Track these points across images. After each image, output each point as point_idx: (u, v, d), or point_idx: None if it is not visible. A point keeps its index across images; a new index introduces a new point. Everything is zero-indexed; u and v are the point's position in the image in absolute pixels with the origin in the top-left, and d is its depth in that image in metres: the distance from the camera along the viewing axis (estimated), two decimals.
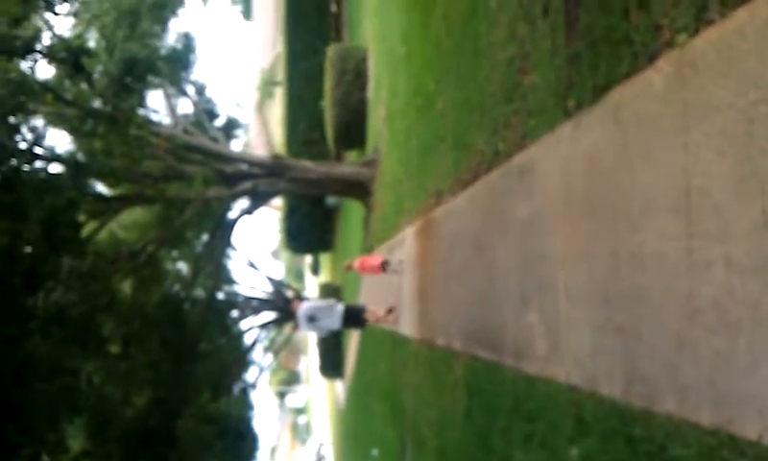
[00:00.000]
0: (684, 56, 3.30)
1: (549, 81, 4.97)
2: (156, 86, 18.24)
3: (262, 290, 29.86)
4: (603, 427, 3.96)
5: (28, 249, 9.98)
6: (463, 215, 7.72)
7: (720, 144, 2.99)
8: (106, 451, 13.67)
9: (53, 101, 14.47)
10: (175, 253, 20.80)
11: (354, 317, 12.47)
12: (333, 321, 11.95)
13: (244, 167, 17.04)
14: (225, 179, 16.64)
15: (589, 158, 4.26)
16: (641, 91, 3.67)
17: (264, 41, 47.96)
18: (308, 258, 52.84)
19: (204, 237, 19.92)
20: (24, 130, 12.07)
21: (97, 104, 14.37)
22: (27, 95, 11.16)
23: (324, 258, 43.20)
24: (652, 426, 3.45)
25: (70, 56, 12.85)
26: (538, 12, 5.30)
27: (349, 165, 18.70)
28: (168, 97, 19.85)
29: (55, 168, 13.92)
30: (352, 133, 18.63)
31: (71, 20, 14.64)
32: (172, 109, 19.92)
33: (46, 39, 13.46)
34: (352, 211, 22.26)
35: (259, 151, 29.36)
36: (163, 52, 18.48)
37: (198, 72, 68.19)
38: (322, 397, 62.50)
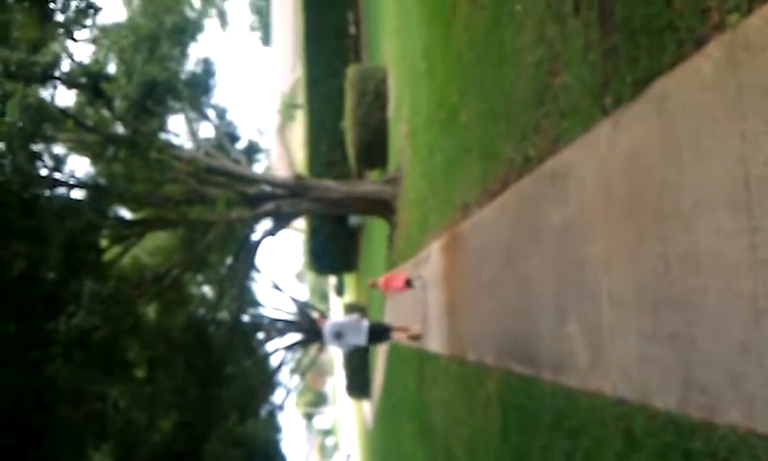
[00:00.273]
0: (736, 38, 3.06)
1: (583, 79, 4.74)
2: (176, 111, 18.29)
3: (287, 312, 29.72)
4: (656, 442, 3.69)
5: (48, 273, 9.90)
6: (491, 227, 7.48)
7: None
8: None
9: (74, 127, 14.52)
10: (199, 276, 20.76)
11: (379, 333, 12.69)
12: (359, 337, 12.08)
13: (266, 188, 16.95)
14: (247, 200, 16.56)
15: (631, 156, 4.01)
16: (688, 80, 3.44)
17: (283, 65, 48.21)
18: (332, 279, 52.71)
19: (228, 260, 19.84)
20: (44, 156, 12.04)
21: (118, 129, 14.38)
22: (46, 121, 11.14)
23: (349, 279, 43.03)
24: (714, 440, 3.18)
25: (89, 81, 12.86)
26: (568, 11, 5.09)
27: (372, 183, 18.54)
28: (189, 121, 19.91)
29: (76, 194, 13.95)
30: (374, 152, 18.51)
31: (90, 47, 14.72)
32: (193, 133, 19.98)
33: (65, 66, 13.54)
34: (376, 230, 22.08)
35: (281, 173, 29.35)
36: (183, 76, 18.57)
37: (218, 96, 68.91)
38: (349, 417, 62.09)
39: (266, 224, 18.44)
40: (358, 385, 30.46)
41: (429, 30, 11.87)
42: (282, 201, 16.44)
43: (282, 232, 19.27)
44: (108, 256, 15.07)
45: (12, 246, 9.86)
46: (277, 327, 28.75)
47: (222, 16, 34.85)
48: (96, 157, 15.26)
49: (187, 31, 17.71)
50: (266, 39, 56.13)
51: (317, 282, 70.96)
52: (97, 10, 12.22)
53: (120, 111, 12.74)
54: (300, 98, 31.52)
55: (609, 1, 4.36)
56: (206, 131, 22.39)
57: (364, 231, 28.00)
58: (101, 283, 10.95)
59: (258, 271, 25.63)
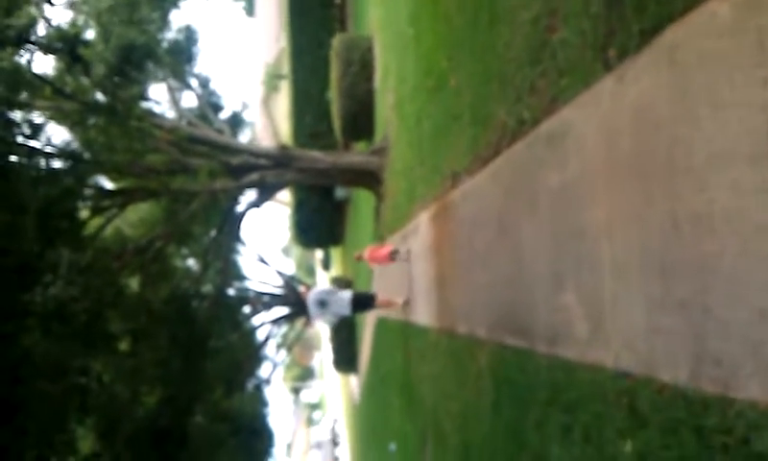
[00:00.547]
0: None
1: (584, 33, 4.44)
2: (158, 78, 17.79)
3: (273, 285, 29.45)
4: (664, 418, 3.45)
5: (23, 242, 9.54)
6: (483, 195, 7.21)
7: None
8: (115, 453, 13.25)
9: (52, 95, 14.04)
10: (183, 249, 20.40)
11: (363, 302, 12.69)
12: (343, 306, 12.07)
13: (250, 159, 16.55)
14: (231, 171, 16.17)
15: (638, 112, 3.73)
16: (703, 26, 3.15)
17: (267, 36, 47.41)
18: (319, 253, 52.47)
19: (212, 232, 19.47)
20: (21, 123, 11.60)
21: (97, 97, 13.92)
22: (22, 86, 10.70)
23: (335, 252, 42.79)
24: (729, 416, 2.94)
25: (66, 45, 12.40)
26: None
27: (358, 154, 18.22)
28: (171, 90, 19.43)
29: (55, 164, 13.51)
30: (360, 123, 18.20)
31: (68, 11, 14.21)
32: (175, 102, 19.50)
33: (42, 30, 13.05)
34: (363, 202, 21.79)
35: (266, 144, 28.91)
36: (166, 44, 18.05)
37: (202, 65, 68.05)
38: (336, 392, 62.17)
39: (250, 195, 18.08)
40: (345, 359, 30.34)
41: None
42: (267, 171, 16.07)
43: (267, 204, 18.89)
44: (89, 228, 14.70)
45: None
46: (264, 301, 28.47)
47: None
48: (75, 126, 14.81)
49: None
50: (250, 10, 55.27)
51: (303, 257, 70.78)
52: None
53: (98, 76, 12.28)
54: (285, 69, 31.02)
55: None
56: (189, 100, 21.92)
57: (350, 204, 27.72)
58: (79, 253, 10.59)
59: (243, 244, 25.29)
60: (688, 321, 3.26)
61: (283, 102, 33.70)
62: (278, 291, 29.23)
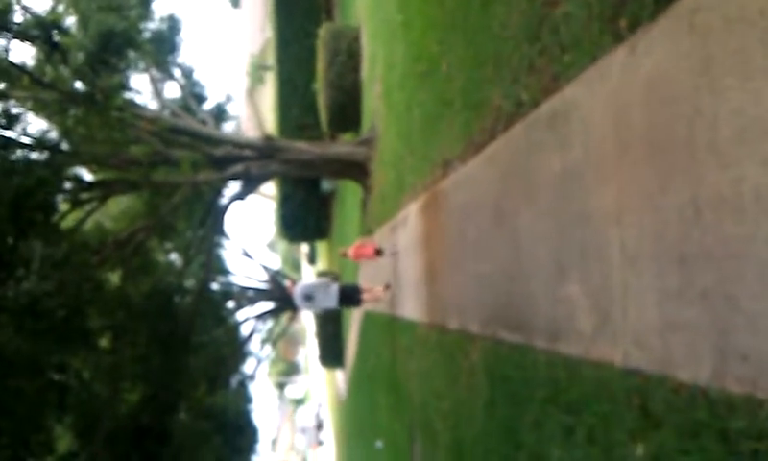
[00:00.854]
0: None
1: (590, 4, 4.12)
2: (139, 68, 17.36)
3: (258, 280, 29.06)
4: (682, 419, 3.14)
5: None
6: (477, 182, 6.89)
7: None
8: (92, 452, 12.87)
9: (30, 84, 13.61)
10: (165, 242, 19.99)
11: (350, 296, 12.60)
12: (330, 299, 12.07)
13: (234, 150, 16.16)
14: (214, 162, 15.78)
15: (652, 86, 3.42)
16: None
17: (252, 27, 46.90)
18: (305, 248, 52.05)
19: (195, 225, 19.08)
20: None
21: (76, 86, 13.50)
22: None
23: (321, 247, 42.40)
24: (760, 418, 2.64)
25: (43, 33, 11.98)
26: None
27: (345, 145, 17.85)
28: (154, 80, 18.99)
29: (33, 155, 13.09)
30: (347, 114, 17.85)
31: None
32: (158, 93, 19.06)
33: (18, 17, 12.63)
34: (349, 195, 21.44)
35: (251, 134, 28.48)
36: (148, 34, 17.62)
37: (185, 56, 67.36)
38: (322, 387, 61.86)
39: (234, 187, 17.70)
40: (331, 354, 30.01)
41: None
42: (251, 162, 15.69)
43: (251, 196, 18.54)
44: (68, 221, 14.27)
45: None
46: (248, 296, 28.09)
47: None
48: (54, 116, 14.37)
49: None
50: (235, 1, 54.71)
51: (289, 251, 70.23)
52: None
53: (76, 64, 11.86)
54: (270, 60, 30.61)
55: None
56: (172, 91, 21.51)
57: (337, 197, 27.36)
58: (53, 246, 10.18)
59: (227, 237, 24.90)
60: (711, 313, 2.95)
61: (269, 93, 33.30)
62: (263, 286, 28.85)
